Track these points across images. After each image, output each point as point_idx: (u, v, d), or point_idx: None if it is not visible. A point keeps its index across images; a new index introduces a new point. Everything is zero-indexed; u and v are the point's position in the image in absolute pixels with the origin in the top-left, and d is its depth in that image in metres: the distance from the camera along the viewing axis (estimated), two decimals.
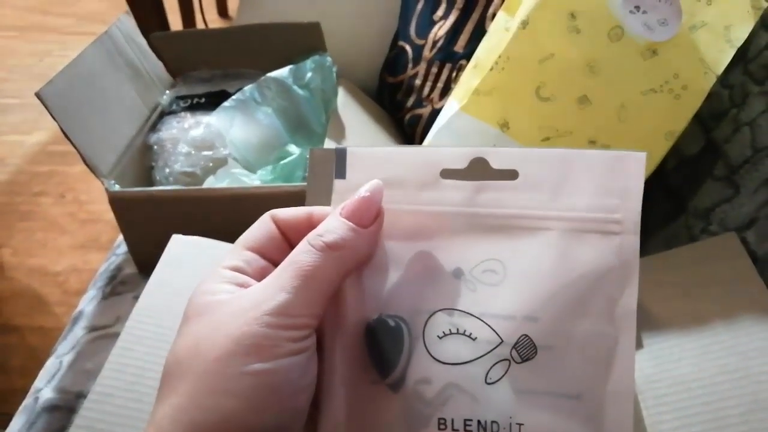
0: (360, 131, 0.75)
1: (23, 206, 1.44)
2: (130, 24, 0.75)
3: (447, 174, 0.27)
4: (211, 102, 0.73)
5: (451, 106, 0.60)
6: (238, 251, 0.27)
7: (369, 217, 0.26)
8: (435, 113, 0.75)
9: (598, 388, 0.25)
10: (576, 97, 0.54)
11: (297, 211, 0.28)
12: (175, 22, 1.41)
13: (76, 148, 0.60)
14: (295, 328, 0.23)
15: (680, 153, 0.58)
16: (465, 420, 0.25)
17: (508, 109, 0.56)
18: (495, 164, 0.27)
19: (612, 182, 0.26)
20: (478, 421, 0.25)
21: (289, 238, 0.27)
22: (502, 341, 0.25)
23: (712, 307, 0.42)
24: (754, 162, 0.50)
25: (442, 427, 0.25)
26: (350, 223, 0.25)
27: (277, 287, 0.23)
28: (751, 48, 0.54)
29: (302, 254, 0.24)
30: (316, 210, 0.28)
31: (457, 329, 0.25)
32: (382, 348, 0.26)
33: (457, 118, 0.57)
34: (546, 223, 0.26)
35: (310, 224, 0.27)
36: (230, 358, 0.22)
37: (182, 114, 0.73)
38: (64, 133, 0.59)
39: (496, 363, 0.25)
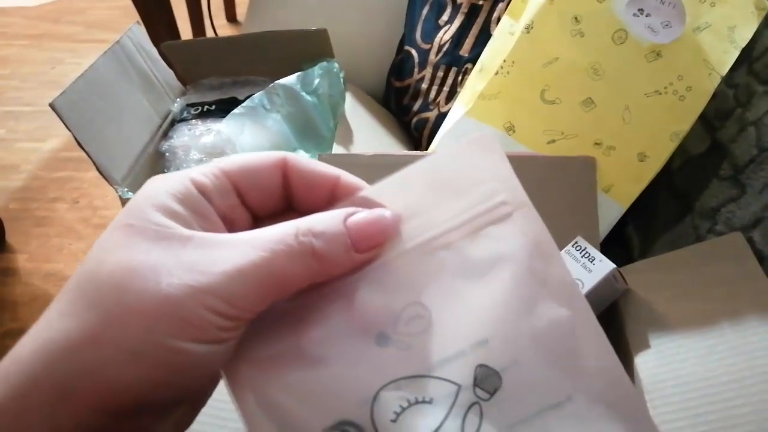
0: (367, 136, 0.75)
1: (38, 212, 1.46)
2: (140, 33, 0.77)
3: None
4: (221, 109, 0.74)
5: (456, 111, 0.60)
6: (217, 172, 0.23)
7: (369, 244, 0.22)
8: (441, 117, 0.76)
9: (583, 378, 0.22)
10: (581, 99, 0.55)
11: (322, 171, 0.24)
12: (185, 29, 1.42)
13: (89, 156, 0.61)
14: (233, 319, 0.20)
15: (686, 153, 0.59)
16: None
17: (513, 113, 0.56)
18: None
19: (477, 171, 0.24)
20: None
21: (294, 195, 0.24)
22: (460, 386, 0.21)
23: (719, 307, 0.42)
24: (759, 161, 0.50)
25: None
26: (348, 239, 0.22)
27: (235, 267, 0.20)
28: (756, 47, 0.54)
29: (281, 245, 0.21)
30: (344, 179, 0.24)
31: (408, 401, 0.21)
32: None
33: (463, 123, 0.58)
34: (438, 242, 0.23)
35: (332, 194, 0.24)
36: (153, 322, 0.19)
37: (193, 121, 0.74)
38: (78, 143, 0.60)
39: (466, 413, 0.21)
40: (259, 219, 0.24)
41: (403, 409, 0.21)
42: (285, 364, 0.22)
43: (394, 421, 0.21)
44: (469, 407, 0.21)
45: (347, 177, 0.24)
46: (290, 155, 0.23)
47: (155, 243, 0.20)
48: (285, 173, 0.23)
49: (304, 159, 0.24)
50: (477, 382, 0.21)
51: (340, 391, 0.22)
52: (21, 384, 0.19)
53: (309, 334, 0.22)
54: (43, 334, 0.19)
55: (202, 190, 0.22)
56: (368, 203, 0.23)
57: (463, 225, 0.23)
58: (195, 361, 0.20)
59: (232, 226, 0.23)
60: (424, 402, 0.21)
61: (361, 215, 0.22)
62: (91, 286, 0.20)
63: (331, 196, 0.24)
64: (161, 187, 0.21)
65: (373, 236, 0.22)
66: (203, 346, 0.20)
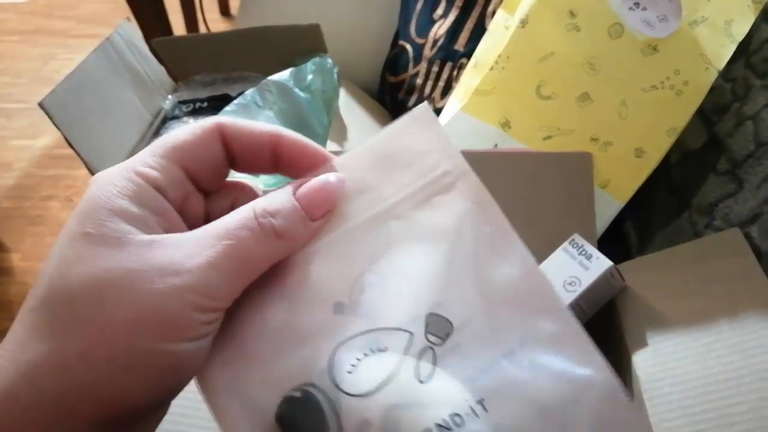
0: (362, 132, 0.75)
1: (32, 210, 1.45)
2: (130, 29, 0.76)
3: None
4: (214, 106, 0.73)
5: (452, 107, 0.60)
6: (165, 163, 0.22)
7: (321, 211, 0.23)
8: (437, 113, 0.75)
9: (533, 326, 0.23)
10: (577, 95, 0.54)
11: (262, 131, 0.23)
12: (177, 22, 1.41)
13: (80, 155, 0.60)
14: (214, 310, 0.20)
15: (683, 148, 0.58)
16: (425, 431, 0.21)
17: (509, 109, 0.56)
18: None
19: (419, 144, 0.25)
20: (438, 425, 0.21)
21: (236, 159, 0.24)
22: (412, 333, 0.22)
23: (716, 304, 0.42)
24: (757, 156, 0.50)
25: None
26: (302, 212, 0.22)
27: (207, 260, 0.20)
28: (753, 41, 0.54)
29: (245, 231, 0.21)
30: (286, 138, 0.24)
31: (364, 353, 0.22)
32: (306, 428, 0.21)
33: (458, 119, 0.57)
34: (388, 213, 0.25)
35: (274, 153, 0.24)
36: (139, 330, 0.19)
37: (185, 119, 0.73)
38: (68, 142, 0.59)
39: (420, 358, 0.22)
40: (208, 195, 0.25)
41: (359, 361, 0.22)
42: (248, 342, 0.23)
43: (350, 372, 0.22)
44: (423, 351, 0.22)
45: (288, 134, 0.24)
46: (226, 120, 0.23)
47: (120, 251, 0.19)
48: (224, 139, 0.23)
49: (241, 121, 0.23)
50: (428, 329, 0.23)
51: (303, 360, 0.23)
52: (8, 411, 0.18)
53: (270, 309, 0.23)
54: (22, 357, 0.19)
55: (155, 185, 0.21)
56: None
57: (410, 196, 0.25)
58: (184, 360, 0.20)
59: (186, 216, 0.23)
60: (379, 351, 0.22)
61: (308, 185, 0.23)
62: (62, 303, 0.19)
63: (274, 156, 0.24)
64: (112, 188, 0.20)
65: (324, 201, 0.23)
66: (191, 343, 0.20)
